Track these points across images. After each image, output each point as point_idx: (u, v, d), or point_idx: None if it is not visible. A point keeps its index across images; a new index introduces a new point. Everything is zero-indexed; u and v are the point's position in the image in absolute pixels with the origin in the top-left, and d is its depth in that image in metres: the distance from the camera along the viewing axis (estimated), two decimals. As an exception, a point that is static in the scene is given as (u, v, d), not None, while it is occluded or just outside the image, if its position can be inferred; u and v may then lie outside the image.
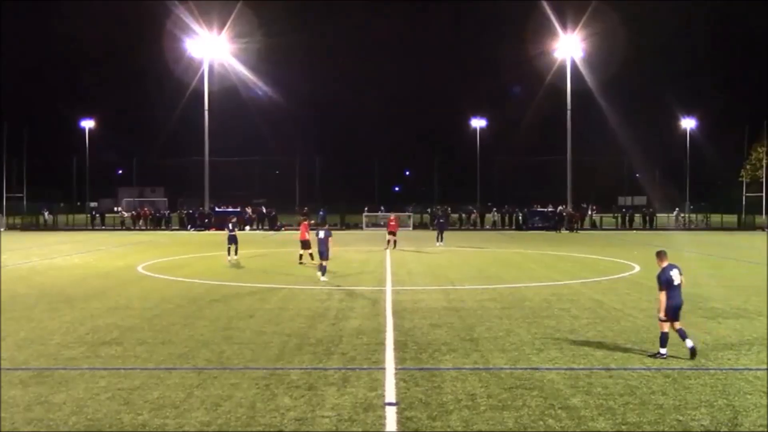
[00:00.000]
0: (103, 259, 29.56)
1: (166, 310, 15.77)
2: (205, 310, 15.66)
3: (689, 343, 10.94)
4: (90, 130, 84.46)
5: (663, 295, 11.03)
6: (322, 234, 21.59)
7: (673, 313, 11.05)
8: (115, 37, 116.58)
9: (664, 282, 11.12)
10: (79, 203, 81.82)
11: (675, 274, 11.35)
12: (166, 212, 64.77)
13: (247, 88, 78.23)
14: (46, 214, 61.97)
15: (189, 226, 57.82)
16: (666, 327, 11.01)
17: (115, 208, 77.90)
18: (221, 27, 62.37)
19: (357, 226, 61.70)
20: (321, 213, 53.82)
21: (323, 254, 21.24)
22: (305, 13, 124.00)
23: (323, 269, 21.13)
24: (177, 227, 58.31)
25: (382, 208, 66.79)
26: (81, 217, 64.11)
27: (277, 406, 8.53)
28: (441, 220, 40.58)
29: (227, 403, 8.67)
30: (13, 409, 8.43)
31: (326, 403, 8.66)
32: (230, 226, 28.29)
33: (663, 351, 10.94)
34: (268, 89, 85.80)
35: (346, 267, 25.47)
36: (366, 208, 65.50)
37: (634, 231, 58.15)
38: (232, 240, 27.42)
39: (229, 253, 27.36)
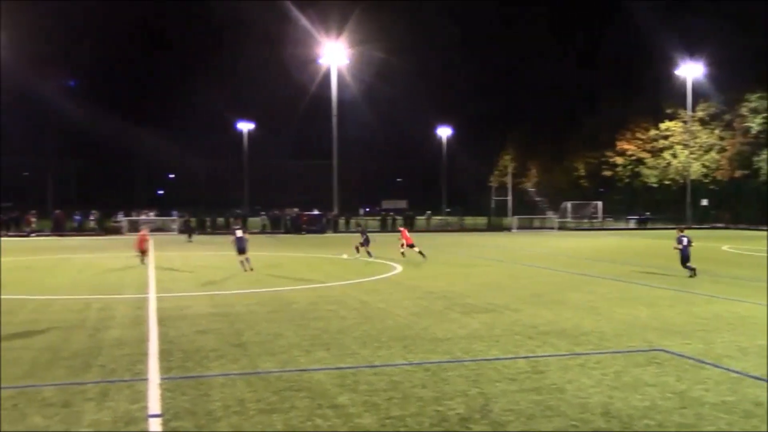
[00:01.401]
0: None
1: None
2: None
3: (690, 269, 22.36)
4: None
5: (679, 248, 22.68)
6: None
7: (686, 259, 22.57)
8: None
9: (679, 241, 22.81)
10: None
11: (685, 240, 22.69)
12: None
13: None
14: None
15: None
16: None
17: None
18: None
19: (118, 231, 58.76)
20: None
21: None
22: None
23: None
24: None
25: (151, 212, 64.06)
26: None
27: (28, 427, 7.83)
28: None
29: (-33, 428, 7.83)
30: None
31: (84, 419, 8.11)
32: None
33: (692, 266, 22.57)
34: (15, 82, 78.89)
35: (105, 274, 24.11)
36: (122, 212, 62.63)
37: (396, 233, 60.89)
38: None
39: None
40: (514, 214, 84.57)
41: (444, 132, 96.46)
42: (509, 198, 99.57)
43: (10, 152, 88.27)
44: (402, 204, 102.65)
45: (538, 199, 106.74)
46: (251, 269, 24.20)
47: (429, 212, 74.04)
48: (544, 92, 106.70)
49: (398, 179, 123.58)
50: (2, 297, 18.00)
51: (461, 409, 8.54)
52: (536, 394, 9.13)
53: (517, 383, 9.69)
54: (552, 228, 69.18)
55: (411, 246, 30.43)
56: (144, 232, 29.18)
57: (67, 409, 8.47)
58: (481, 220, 75.57)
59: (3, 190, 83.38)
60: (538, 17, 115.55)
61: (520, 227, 68.58)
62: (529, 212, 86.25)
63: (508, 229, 68.79)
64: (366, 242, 31.20)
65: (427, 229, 66.41)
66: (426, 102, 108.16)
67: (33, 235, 53.31)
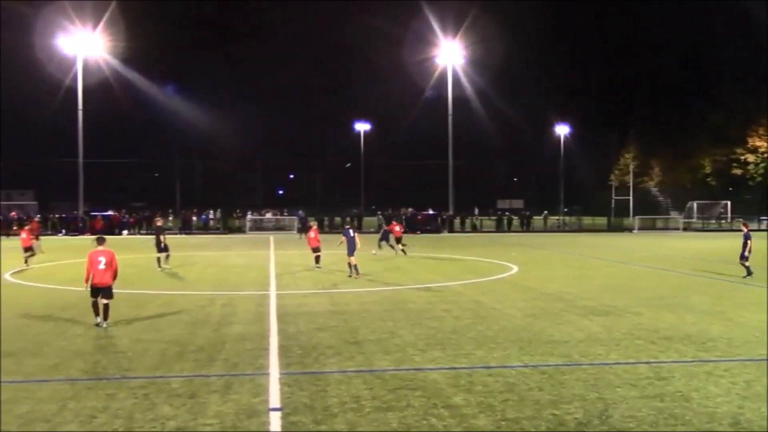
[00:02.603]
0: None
1: (36, 319, 14.99)
2: (79, 318, 14.93)
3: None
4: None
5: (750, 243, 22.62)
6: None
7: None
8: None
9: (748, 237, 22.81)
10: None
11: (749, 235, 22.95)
12: (37, 216, 61.51)
13: (123, 86, 75.65)
14: None
15: (62, 231, 55.23)
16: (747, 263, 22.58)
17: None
18: (95, 23, 60.10)
19: (240, 230, 60.89)
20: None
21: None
22: (186, 11, 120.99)
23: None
24: (50, 232, 55.40)
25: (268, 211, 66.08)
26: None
27: (157, 416, 8.26)
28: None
29: (103, 414, 8.32)
30: None
31: (208, 410, 8.47)
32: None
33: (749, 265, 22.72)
34: (146, 88, 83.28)
35: (228, 272, 25.05)
36: (249, 212, 64.74)
37: (512, 233, 60.19)
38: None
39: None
40: (635, 214, 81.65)
41: (561, 130, 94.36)
42: (630, 197, 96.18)
43: (144, 154, 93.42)
44: (518, 204, 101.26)
45: (661, 198, 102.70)
46: (357, 275, 22.82)
47: (546, 212, 72.70)
48: (665, 87, 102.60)
49: (514, 179, 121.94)
50: (137, 292, 19.07)
51: (579, 413, 8.34)
52: (659, 401, 8.80)
53: (639, 389, 9.37)
54: (676, 229, 66.35)
55: (398, 240, 32.46)
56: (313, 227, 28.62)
57: (193, 400, 8.87)
58: (601, 221, 73.45)
59: (136, 190, 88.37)
60: (657, 11, 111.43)
61: (642, 228, 66.15)
62: (651, 212, 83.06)
63: (629, 229, 66.55)
64: (385, 237, 33.10)
65: (544, 230, 65.24)
66: (543, 100, 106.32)
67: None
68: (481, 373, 10.24)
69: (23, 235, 27.75)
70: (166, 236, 26.88)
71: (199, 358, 11.25)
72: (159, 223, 28.95)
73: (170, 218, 60.00)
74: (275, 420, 8.12)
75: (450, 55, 66.79)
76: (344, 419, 8.17)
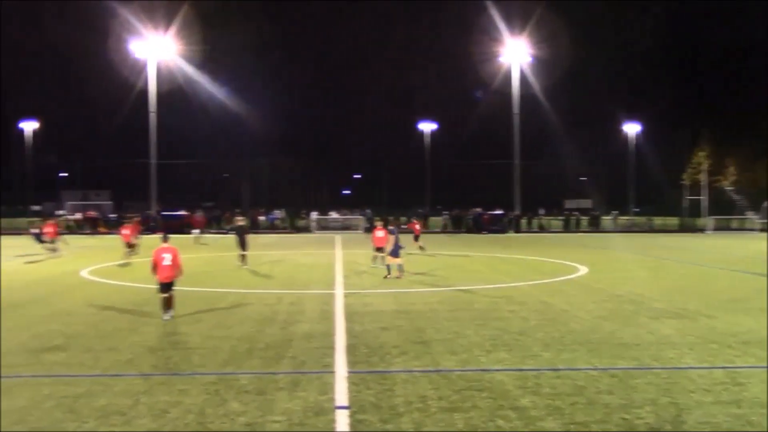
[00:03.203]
0: (46, 263, 28.81)
1: (111, 315, 15.47)
2: (152, 315, 15.37)
3: None
4: (30, 132, 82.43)
5: None
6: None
7: None
8: (57, 36, 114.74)
9: None
10: (21, 206, 79.95)
11: None
12: (112, 215, 63.55)
13: (194, 89, 77.44)
14: None
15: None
16: None
17: (58, 212, 76.10)
18: (167, 27, 61.70)
19: (306, 229, 61.57)
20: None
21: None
22: (255, 13, 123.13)
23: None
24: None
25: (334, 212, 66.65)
26: (22, 221, 62.37)
27: (227, 412, 8.43)
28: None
29: (175, 409, 8.53)
30: (-49, 420, 8.16)
31: (276, 407, 8.59)
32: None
33: None
34: (218, 91, 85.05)
35: (295, 270, 25.35)
36: (316, 212, 65.41)
37: (580, 233, 59.21)
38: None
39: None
40: (709, 214, 79.27)
41: (631, 128, 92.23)
42: (703, 197, 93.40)
43: (214, 155, 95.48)
44: (586, 203, 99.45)
45: (736, 198, 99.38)
46: (400, 275, 22.34)
47: (615, 212, 71.18)
48: (740, 83, 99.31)
49: (582, 178, 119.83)
50: (207, 290, 19.50)
51: (650, 418, 8.15)
52: (736, 408, 8.53)
53: (713, 395, 9.10)
54: (753, 229, 64.11)
55: (416, 238, 32.97)
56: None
57: (262, 397, 9.01)
58: (672, 221, 71.61)
59: (206, 191, 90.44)
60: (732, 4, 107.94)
61: (716, 228, 64.22)
62: (726, 212, 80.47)
63: (702, 230, 64.71)
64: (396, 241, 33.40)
65: (614, 230, 63.92)
66: (612, 97, 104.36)
67: (231, 233, 57.09)
68: (549, 375, 10.11)
69: (125, 231, 28.93)
70: (248, 236, 27.60)
71: (267, 355, 11.43)
72: (241, 223, 29.51)
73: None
74: (342, 418, 8.19)
75: (515, 53, 66.13)
76: (410, 419, 8.17)
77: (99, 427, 7.91)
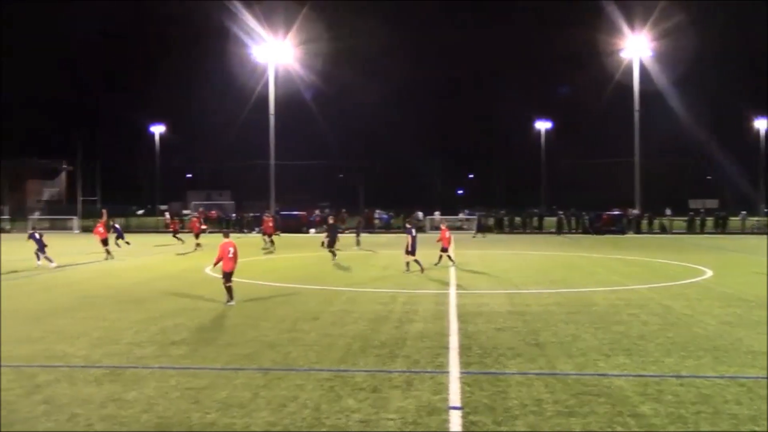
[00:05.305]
0: (172, 260, 30.24)
1: (232, 311, 16.05)
2: (270, 311, 15.86)
3: None
4: (160, 135, 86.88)
5: None
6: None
7: None
8: (182, 41, 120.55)
9: None
10: (149, 206, 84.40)
11: None
12: (234, 215, 65.93)
13: (310, 92, 79.29)
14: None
15: (255, 229, 58.71)
16: None
17: (184, 211, 79.77)
18: (286, 32, 63.40)
19: (420, 229, 61.74)
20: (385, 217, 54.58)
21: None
22: (369, 16, 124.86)
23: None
24: (246, 230, 59.00)
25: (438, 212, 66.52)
26: (151, 220, 65.75)
27: (342, 408, 8.57)
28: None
29: (293, 404, 8.76)
30: (89, 406, 8.69)
31: (390, 405, 8.67)
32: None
33: None
34: (332, 93, 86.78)
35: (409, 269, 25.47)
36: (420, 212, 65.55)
37: (705, 235, 56.55)
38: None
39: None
40: None
41: (760, 124, 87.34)
42: None
43: (331, 157, 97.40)
44: (712, 203, 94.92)
45: None
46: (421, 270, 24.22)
47: (744, 212, 67.52)
48: None
49: (708, 177, 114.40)
50: (324, 288, 19.93)
51: (783, 431, 7.69)
52: None
53: None
54: None
55: (445, 250, 26.83)
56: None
57: (376, 395, 9.11)
58: (809, 222, 67.22)
59: (322, 191, 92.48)
60: None
61: None
62: None
63: (842, 232, 60.38)
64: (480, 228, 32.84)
65: (742, 231, 60.63)
66: (739, 94, 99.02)
67: (347, 232, 58.03)
68: (671, 383, 9.71)
69: (269, 223, 37.26)
70: (339, 235, 29.59)
71: (381, 353, 11.54)
72: (331, 221, 31.24)
73: (345, 217, 62.07)
74: (455, 419, 8.16)
75: (636, 48, 63.90)
76: (525, 422, 8.05)
77: (220, 418, 8.22)
